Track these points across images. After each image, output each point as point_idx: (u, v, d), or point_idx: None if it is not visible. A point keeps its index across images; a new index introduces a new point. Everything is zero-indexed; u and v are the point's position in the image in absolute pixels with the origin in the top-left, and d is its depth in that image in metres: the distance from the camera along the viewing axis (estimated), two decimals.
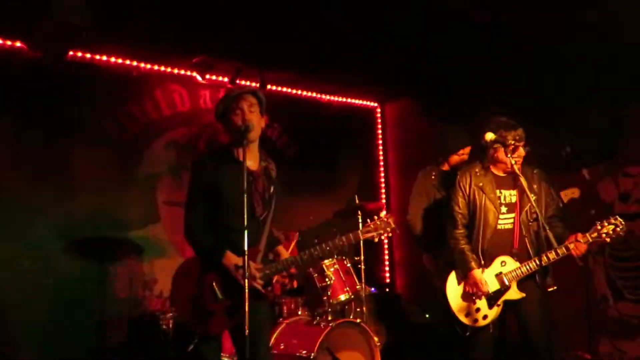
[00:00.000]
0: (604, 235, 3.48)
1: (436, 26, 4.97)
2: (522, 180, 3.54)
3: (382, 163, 7.35)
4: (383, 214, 3.24)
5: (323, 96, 6.81)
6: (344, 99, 7.05)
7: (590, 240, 3.48)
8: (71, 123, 5.13)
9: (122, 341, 4.98)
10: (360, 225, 4.86)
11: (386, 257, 7.10)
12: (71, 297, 4.92)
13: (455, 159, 4.65)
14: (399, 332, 5.53)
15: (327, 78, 6.35)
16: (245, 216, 2.79)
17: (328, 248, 3.14)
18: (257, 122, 3.06)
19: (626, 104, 5.18)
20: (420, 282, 5.47)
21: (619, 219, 3.50)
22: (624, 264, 5.28)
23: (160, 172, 5.60)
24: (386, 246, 7.12)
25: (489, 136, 3.61)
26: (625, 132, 5.22)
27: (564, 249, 3.49)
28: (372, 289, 5.45)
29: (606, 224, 3.49)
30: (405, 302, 6.40)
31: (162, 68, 5.65)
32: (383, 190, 7.27)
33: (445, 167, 4.70)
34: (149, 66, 5.55)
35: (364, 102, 7.30)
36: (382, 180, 7.31)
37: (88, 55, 5.21)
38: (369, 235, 3.18)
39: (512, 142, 3.56)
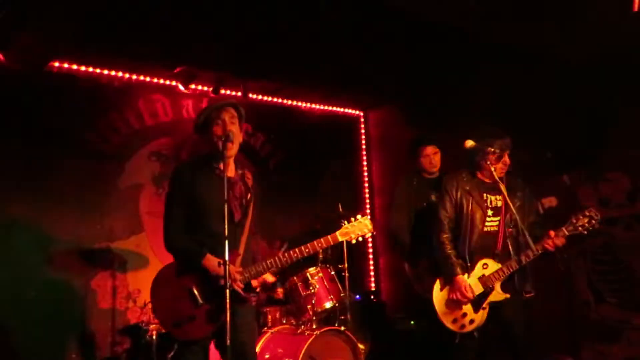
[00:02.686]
0: (580, 228, 3.57)
1: (419, 36, 5.02)
2: (502, 187, 3.60)
3: (366, 170, 7.37)
4: (360, 215, 3.29)
5: (306, 105, 6.83)
6: (328, 107, 7.07)
7: (567, 233, 3.57)
8: (52, 134, 5.08)
9: (105, 353, 4.93)
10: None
11: (371, 264, 7.11)
12: (53, 310, 4.87)
13: (421, 162, 4.65)
14: (383, 339, 5.53)
15: (310, 87, 6.37)
16: (227, 223, 2.81)
17: (307, 250, 3.20)
18: (236, 134, 3.10)
19: (605, 110, 5.26)
20: (405, 289, 5.48)
21: (593, 211, 3.59)
22: (604, 267, 5.34)
23: (143, 183, 5.57)
24: (371, 254, 7.13)
25: (469, 143, 3.68)
26: (604, 137, 5.30)
27: (540, 246, 3.57)
28: (357, 296, 5.46)
29: (581, 216, 3.58)
30: (390, 309, 6.41)
31: (144, 78, 5.63)
32: (367, 198, 7.29)
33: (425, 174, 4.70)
34: (131, 76, 5.53)
35: (348, 110, 7.33)
36: (367, 187, 7.33)
37: (67, 66, 5.18)
38: (347, 237, 3.23)
39: (498, 150, 3.63)
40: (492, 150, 3.65)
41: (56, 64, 5.12)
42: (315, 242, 3.21)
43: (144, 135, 5.67)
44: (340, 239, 3.24)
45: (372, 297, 6.65)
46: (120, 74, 5.46)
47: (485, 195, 3.77)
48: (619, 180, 5.27)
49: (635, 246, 5.16)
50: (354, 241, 3.28)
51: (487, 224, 3.75)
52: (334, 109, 7.16)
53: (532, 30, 4.78)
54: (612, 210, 5.29)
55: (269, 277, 4.80)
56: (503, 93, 5.51)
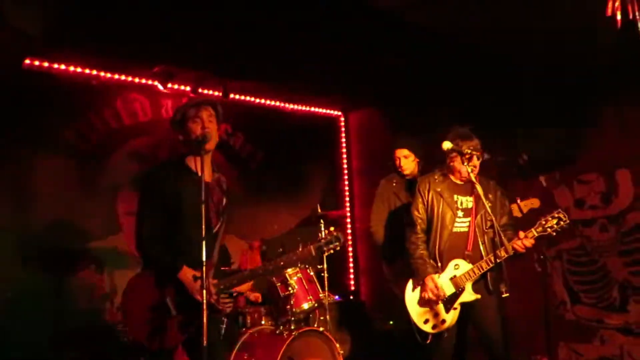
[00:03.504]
0: (548, 229, 3.62)
1: (399, 38, 5.04)
2: (478, 187, 3.64)
3: (346, 172, 7.39)
4: (332, 228, 3.29)
5: (287, 105, 6.83)
6: (308, 108, 7.07)
7: (536, 234, 3.62)
8: (28, 133, 5.01)
9: (81, 355, 4.88)
10: (323, 234, 4.93)
11: (351, 265, 7.14)
12: (29, 311, 4.80)
13: (395, 164, 4.69)
14: (363, 339, 5.55)
15: (290, 87, 6.37)
16: (204, 227, 2.76)
17: (282, 263, 3.18)
18: (214, 133, 3.06)
19: (579, 113, 5.34)
20: (384, 290, 5.52)
21: (561, 212, 3.64)
22: (580, 268, 5.43)
23: (121, 183, 5.52)
24: (351, 254, 7.15)
25: (446, 145, 3.71)
26: (579, 140, 5.38)
27: (510, 247, 3.61)
28: (336, 297, 5.47)
29: (550, 218, 3.63)
30: (369, 309, 6.43)
31: (123, 77, 5.57)
32: (347, 199, 7.31)
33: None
34: (109, 75, 5.47)
35: (328, 111, 7.35)
36: (346, 188, 7.35)
37: (46, 64, 5.11)
38: (320, 250, 3.19)
39: (468, 151, 3.66)
40: (461, 151, 3.68)
41: (36, 63, 5.05)
42: (290, 254, 3.18)
43: (122, 134, 5.62)
44: (314, 253, 3.19)
45: (351, 297, 6.68)
46: (96, 72, 5.39)
47: (455, 196, 3.82)
48: (594, 182, 5.36)
49: (610, 247, 5.26)
50: (327, 253, 3.24)
51: (456, 224, 3.79)
52: (315, 109, 7.17)
53: (509, 33, 4.83)
54: (587, 211, 5.38)
55: (252, 296, 4.82)
56: (481, 96, 5.57)
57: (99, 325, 5.06)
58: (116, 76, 5.51)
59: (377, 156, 6.93)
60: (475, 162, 3.71)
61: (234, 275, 3.15)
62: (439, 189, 3.83)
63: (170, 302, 2.94)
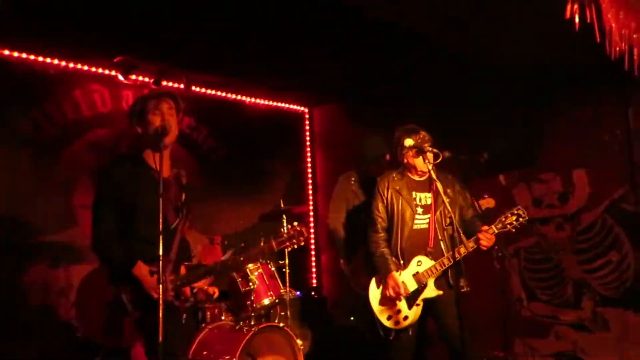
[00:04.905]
0: (508, 225, 3.66)
1: (365, 34, 5.06)
2: (438, 182, 3.66)
3: (309, 167, 7.38)
4: (296, 223, 3.26)
5: (251, 99, 6.77)
6: (273, 103, 7.03)
7: (496, 231, 3.66)
8: None
9: (37, 350, 4.75)
10: (285, 229, 4.90)
11: (313, 260, 7.14)
12: None
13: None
14: (324, 335, 5.55)
15: (254, 81, 6.32)
16: (161, 223, 2.70)
17: (242, 259, 3.16)
18: (174, 126, 3.00)
19: (539, 115, 5.45)
20: (345, 286, 5.54)
21: (521, 209, 3.69)
22: (536, 265, 5.55)
23: (79, 175, 5.37)
24: (313, 249, 7.15)
25: (409, 142, 3.74)
26: (538, 140, 5.50)
27: (472, 242, 3.64)
28: (298, 292, 5.46)
29: (509, 215, 3.68)
30: (330, 305, 6.45)
31: (82, 66, 5.42)
32: (310, 194, 7.30)
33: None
34: (68, 64, 5.32)
35: (293, 106, 7.32)
36: (310, 184, 7.34)
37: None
38: (283, 245, 3.19)
39: (428, 147, 3.70)
40: (410, 145, 3.72)
41: None
42: (251, 249, 3.17)
43: (80, 126, 5.47)
44: (276, 248, 3.18)
45: (313, 293, 6.68)
46: (56, 61, 5.25)
47: (414, 193, 3.85)
48: (552, 181, 5.48)
49: (566, 245, 5.39)
50: (289, 249, 3.23)
51: (416, 221, 3.82)
52: (279, 104, 7.14)
53: (471, 33, 4.90)
54: (545, 210, 5.50)
55: (210, 289, 4.77)
56: (445, 95, 5.63)
57: (53, 321, 4.93)
58: (74, 65, 5.36)
59: (341, 152, 6.94)
60: (430, 156, 3.73)
61: (192, 271, 3.10)
62: (397, 187, 3.85)
63: (126, 299, 2.88)
